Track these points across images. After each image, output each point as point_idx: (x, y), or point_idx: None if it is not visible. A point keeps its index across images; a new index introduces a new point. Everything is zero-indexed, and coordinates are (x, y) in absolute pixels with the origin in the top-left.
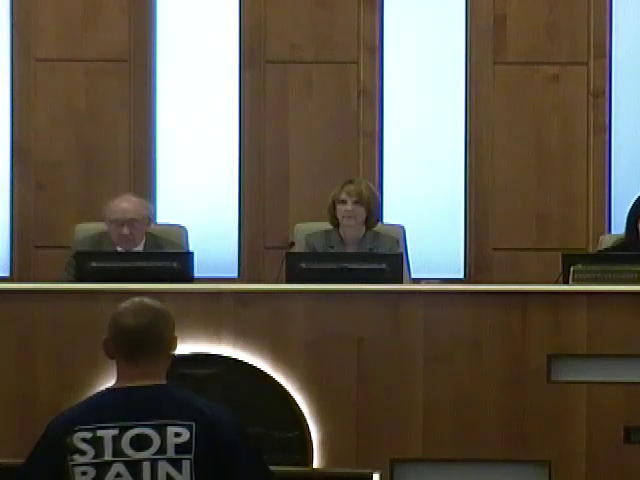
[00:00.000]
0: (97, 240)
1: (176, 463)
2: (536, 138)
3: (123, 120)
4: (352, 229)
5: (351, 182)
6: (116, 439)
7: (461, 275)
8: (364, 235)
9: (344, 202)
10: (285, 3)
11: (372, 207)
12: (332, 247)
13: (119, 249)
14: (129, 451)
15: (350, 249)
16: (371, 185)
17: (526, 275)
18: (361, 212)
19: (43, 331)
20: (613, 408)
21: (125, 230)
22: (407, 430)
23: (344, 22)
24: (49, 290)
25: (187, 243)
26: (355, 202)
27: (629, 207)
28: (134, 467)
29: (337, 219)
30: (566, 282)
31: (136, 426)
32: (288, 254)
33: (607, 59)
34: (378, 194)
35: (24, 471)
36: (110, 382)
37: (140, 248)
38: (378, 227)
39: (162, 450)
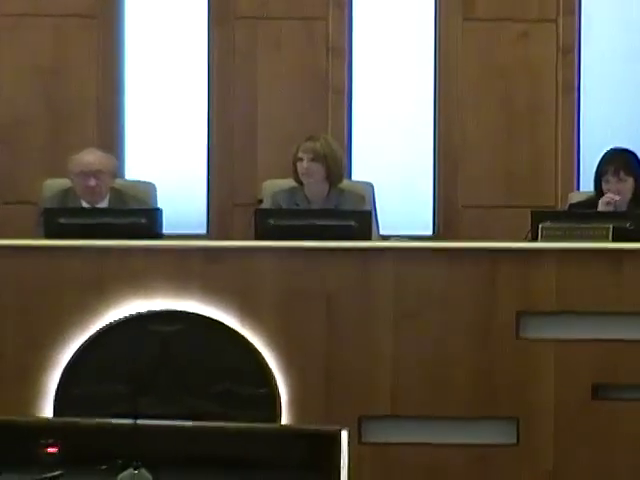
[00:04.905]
0: (62, 196)
1: None
2: (505, 96)
3: (91, 76)
4: (313, 186)
5: (309, 139)
6: None
7: (430, 232)
8: (329, 192)
9: (301, 160)
10: None
11: (330, 163)
12: (297, 205)
13: (84, 204)
14: None
15: (315, 207)
16: (332, 141)
17: (495, 232)
18: (318, 169)
19: (9, 288)
20: (581, 365)
21: (92, 182)
22: (375, 387)
23: None
24: (15, 246)
25: (155, 199)
26: (311, 159)
27: (595, 166)
28: None
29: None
30: (535, 239)
31: None
32: (257, 211)
33: (576, 16)
34: (340, 150)
35: None
36: (76, 340)
37: (105, 203)
38: (345, 184)
39: None
